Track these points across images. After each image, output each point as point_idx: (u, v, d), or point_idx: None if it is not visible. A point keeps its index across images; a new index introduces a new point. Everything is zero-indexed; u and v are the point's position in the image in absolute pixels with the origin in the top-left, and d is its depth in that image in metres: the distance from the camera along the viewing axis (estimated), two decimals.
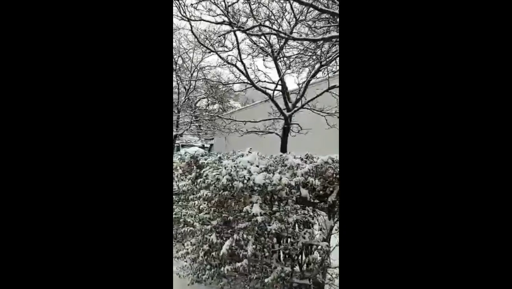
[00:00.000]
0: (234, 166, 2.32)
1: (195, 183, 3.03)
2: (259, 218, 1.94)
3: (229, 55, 5.54)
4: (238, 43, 5.07)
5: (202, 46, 6.15)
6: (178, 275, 2.94)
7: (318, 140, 6.82)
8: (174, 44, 10.18)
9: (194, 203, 2.86)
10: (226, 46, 5.66)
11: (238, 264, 1.95)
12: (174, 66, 10.32)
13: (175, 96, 10.86)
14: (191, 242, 2.46)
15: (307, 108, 6.23)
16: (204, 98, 13.26)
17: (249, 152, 2.77)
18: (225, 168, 2.27)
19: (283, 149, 5.89)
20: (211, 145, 16.50)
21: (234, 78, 6.79)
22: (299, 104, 6.19)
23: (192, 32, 5.10)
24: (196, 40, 5.85)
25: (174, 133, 10.94)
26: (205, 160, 2.96)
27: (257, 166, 2.47)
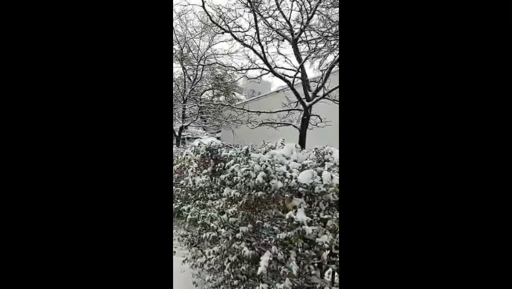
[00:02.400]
0: (269, 161, 1.88)
1: (214, 180, 2.62)
2: (308, 228, 1.50)
3: (245, 34, 5.03)
4: (256, 21, 4.54)
5: (214, 26, 5.60)
6: (195, 284, 2.54)
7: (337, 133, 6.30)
8: (179, 30, 9.74)
9: (215, 203, 2.43)
10: (241, 27, 5.15)
11: (280, 286, 1.53)
12: (179, 55, 9.89)
13: (180, 87, 10.43)
14: (213, 250, 2.04)
15: (328, 99, 5.73)
16: (209, 89, 12.83)
17: (282, 144, 2.32)
18: (258, 162, 1.83)
19: (302, 142, 5.43)
20: (218, 138, 16.18)
21: (245, 66, 6.27)
22: (320, 94, 5.69)
23: (204, 9, 4.59)
24: (207, 19, 5.34)
25: (179, 125, 10.58)
26: (227, 152, 2.53)
27: (295, 161, 2.03)
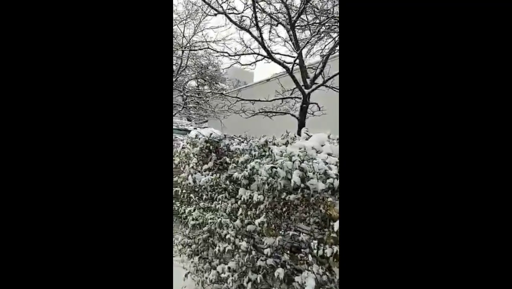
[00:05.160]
0: (299, 156, 1.50)
1: (219, 177, 2.21)
2: None
3: (243, 15, 4.52)
4: (254, 1, 4.05)
5: (204, 8, 5.04)
6: None
7: (334, 123, 6.03)
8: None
9: (225, 206, 2.04)
10: (235, 8, 4.63)
11: None
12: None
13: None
14: (228, 267, 1.65)
15: (327, 86, 5.40)
16: (193, 79, 12.35)
17: (306, 134, 1.94)
18: (289, 158, 1.44)
19: (301, 132, 5.08)
20: (204, 128, 15.58)
21: (239, 52, 5.76)
22: (318, 81, 5.35)
23: None
24: (194, 3, 4.78)
25: None
26: (239, 145, 2.13)
27: (329, 154, 1.66)
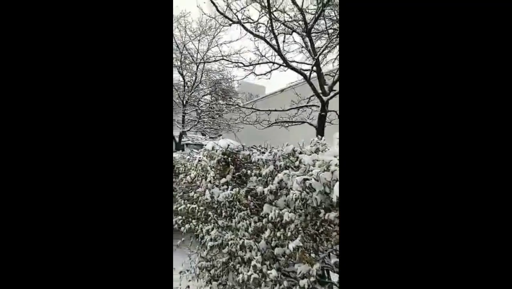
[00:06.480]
0: (337, 165, 1.26)
1: (240, 192, 1.99)
2: None
3: (258, 23, 4.41)
4: (269, 7, 3.93)
5: (218, 18, 4.99)
6: None
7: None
8: (177, 34, 9.32)
9: (247, 225, 1.80)
10: (250, 17, 4.55)
11: None
12: (178, 61, 9.49)
13: (179, 92, 10.11)
14: None
15: None
16: (207, 94, 12.53)
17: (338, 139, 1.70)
18: (327, 168, 1.20)
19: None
20: (221, 139, 15.70)
21: (254, 61, 5.65)
22: (336, 88, 5.11)
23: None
24: (206, 20, 4.74)
25: (179, 130, 10.18)
26: (260, 155, 1.91)
27: None
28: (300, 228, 1.36)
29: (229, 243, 1.82)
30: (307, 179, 1.25)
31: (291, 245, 1.21)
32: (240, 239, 1.71)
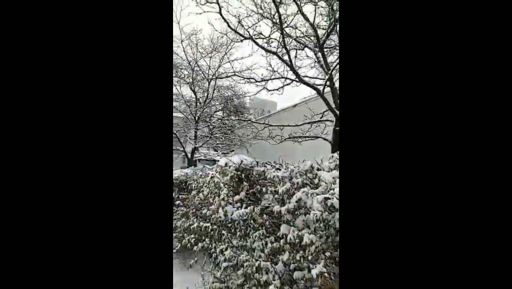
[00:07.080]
0: None
1: (255, 210, 1.91)
2: None
3: (270, 38, 4.48)
4: (281, 22, 3.98)
5: (230, 34, 5.10)
6: None
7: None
8: (189, 50, 9.61)
9: (262, 245, 1.71)
10: (261, 33, 4.62)
11: None
12: (190, 78, 9.74)
13: (191, 109, 10.33)
14: None
15: None
16: (219, 110, 12.70)
17: None
18: None
19: None
20: (234, 155, 15.67)
21: (266, 77, 5.68)
22: None
23: (221, 15, 4.10)
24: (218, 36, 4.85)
25: (192, 146, 10.26)
26: (276, 172, 1.84)
27: None
28: (320, 251, 1.27)
29: (245, 264, 1.73)
30: (329, 198, 1.17)
31: (314, 271, 1.12)
32: (256, 260, 1.62)
